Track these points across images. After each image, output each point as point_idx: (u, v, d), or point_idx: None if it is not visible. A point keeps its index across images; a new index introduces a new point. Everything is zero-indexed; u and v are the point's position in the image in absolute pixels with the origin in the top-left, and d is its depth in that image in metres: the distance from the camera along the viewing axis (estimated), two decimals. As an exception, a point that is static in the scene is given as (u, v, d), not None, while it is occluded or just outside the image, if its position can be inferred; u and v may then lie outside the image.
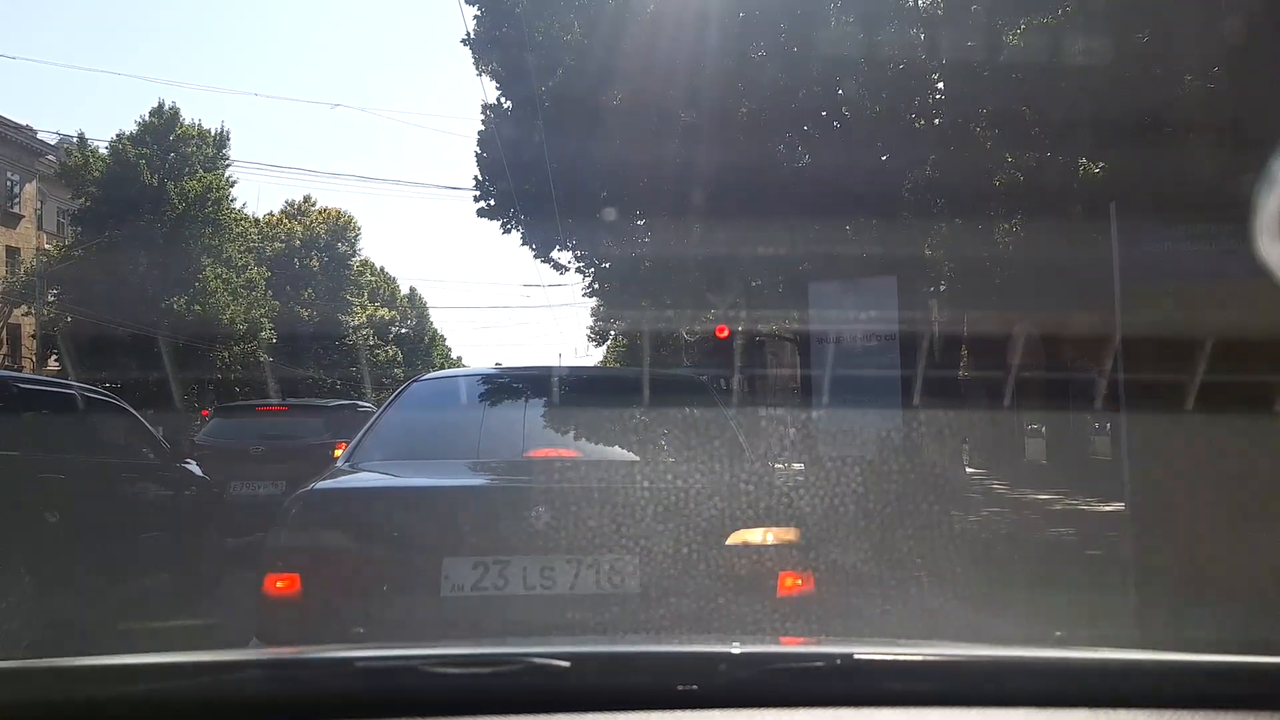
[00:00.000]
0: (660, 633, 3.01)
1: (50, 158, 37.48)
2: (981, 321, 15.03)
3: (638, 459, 4.04)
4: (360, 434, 4.18)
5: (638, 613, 3.00)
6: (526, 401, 4.55)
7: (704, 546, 3.07)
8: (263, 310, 36.70)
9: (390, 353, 52.03)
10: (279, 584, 3.05)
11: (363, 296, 50.64)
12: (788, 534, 3.20)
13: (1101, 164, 11.01)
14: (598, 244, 16.42)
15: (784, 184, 10.91)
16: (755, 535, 3.15)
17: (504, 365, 6.88)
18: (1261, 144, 4.73)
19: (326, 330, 42.20)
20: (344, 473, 3.74)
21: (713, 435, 4.13)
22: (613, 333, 34.41)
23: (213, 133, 35.91)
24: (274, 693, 1.63)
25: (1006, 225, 12.39)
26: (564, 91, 12.25)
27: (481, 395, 4.75)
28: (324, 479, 3.59)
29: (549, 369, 5.14)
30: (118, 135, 34.12)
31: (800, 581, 3.15)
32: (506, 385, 4.95)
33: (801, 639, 2.75)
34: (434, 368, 56.75)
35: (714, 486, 3.38)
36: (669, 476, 3.53)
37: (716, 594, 3.04)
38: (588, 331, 38.18)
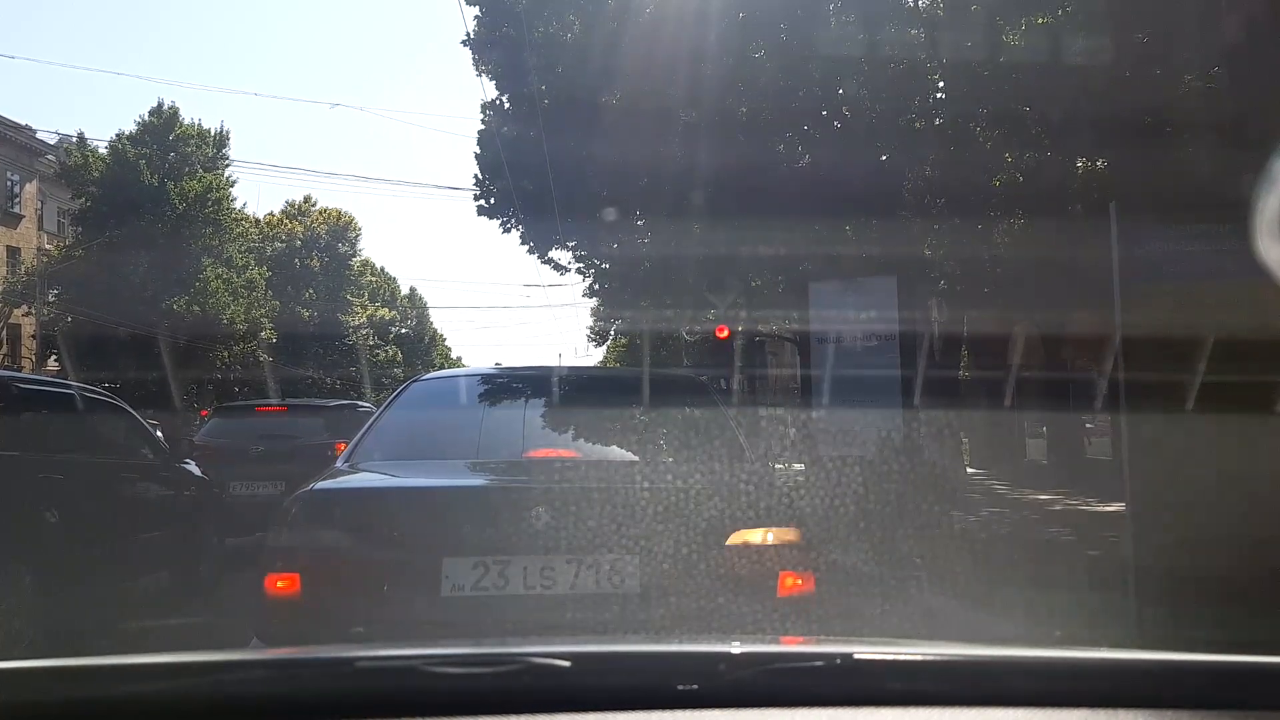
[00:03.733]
0: (660, 633, 3.00)
1: (50, 158, 37.48)
2: (981, 321, 15.02)
3: (637, 459, 4.03)
4: (360, 434, 4.19)
5: (638, 613, 3.00)
6: (526, 402, 4.55)
7: (704, 547, 3.07)
8: (263, 310, 36.69)
9: (390, 353, 52.03)
10: (279, 583, 3.05)
11: (363, 296, 50.63)
12: (788, 534, 3.20)
13: (1101, 164, 11.01)
14: (598, 244, 16.44)
15: (784, 184, 10.90)
16: (755, 535, 3.15)
17: (504, 365, 6.89)
18: (1261, 144, 4.73)
19: (326, 330, 42.15)
20: (344, 473, 3.74)
21: (712, 435, 4.13)
22: (613, 333, 34.41)
23: (212, 133, 35.94)
24: (274, 693, 1.63)
25: (1006, 225, 12.38)
26: (564, 91, 12.27)
27: (481, 395, 4.75)
28: (324, 479, 3.59)
29: (548, 369, 5.15)
30: (117, 135, 34.18)
31: (800, 581, 3.16)
32: (506, 385, 4.96)
33: (801, 639, 2.75)
34: (434, 367, 56.76)
35: (714, 487, 3.38)
36: (669, 477, 3.54)
37: (717, 594, 3.05)
38: (588, 331, 38.21)
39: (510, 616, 2.99)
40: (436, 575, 3.00)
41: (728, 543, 3.12)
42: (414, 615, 3.03)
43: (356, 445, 4.02)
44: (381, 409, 4.46)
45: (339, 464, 3.87)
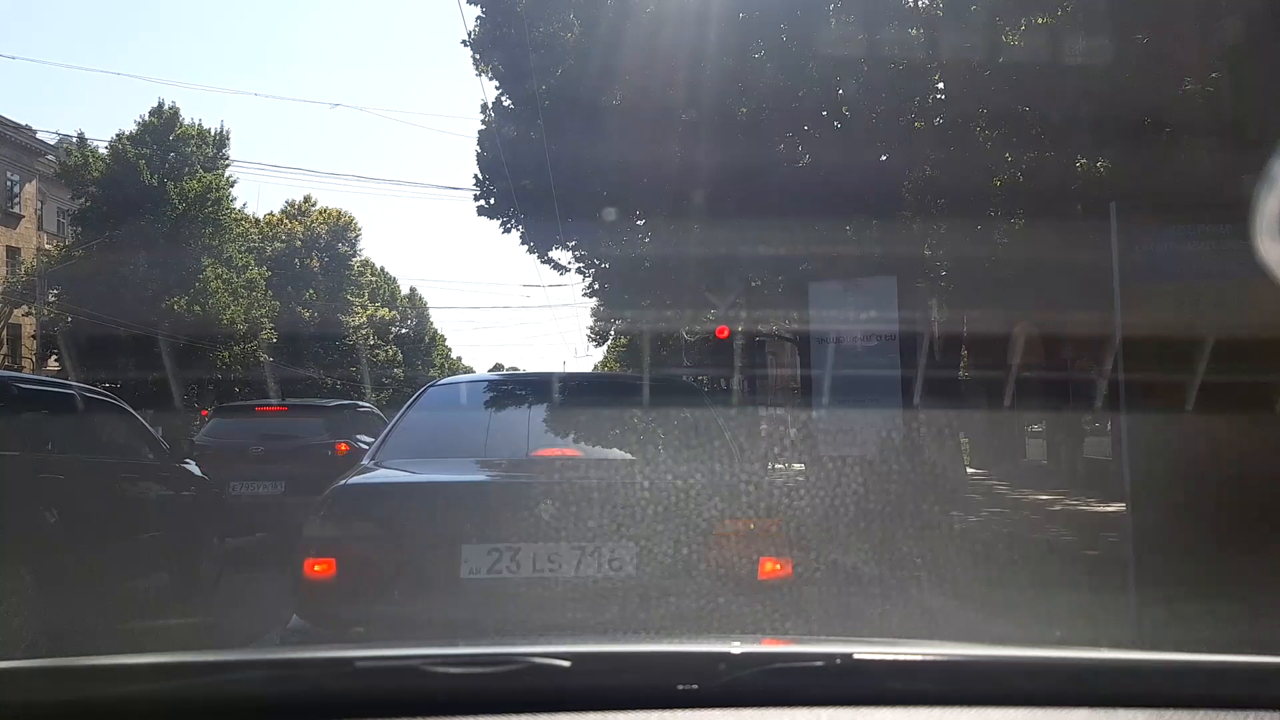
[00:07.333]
0: (659, 624, 3.24)
1: (50, 158, 37.43)
2: (981, 321, 15.02)
3: (634, 458, 4.35)
4: (383, 434, 4.56)
5: (635, 594, 3.30)
6: (531, 405, 4.95)
7: (693, 535, 3.36)
8: (263, 310, 36.64)
9: (390, 353, 51.97)
10: (317, 567, 3.38)
11: (363, 296, 50.57)
12: (768, 524, 3.52)
13: (1102, 164, 11.00)
14: (598, 244, 16.43)
15: (784, 184, 10.90)
16: (739, 525, 3.46)
17: (503, 366, 7.05)
18: (1261, 144, 4.74)
19: (326, 330, 42.09)
20: (371, 470, 4.06)
21: (702, 435, 4.46)
22: (613, 333, 34.40)
23: (213, 133, 35.86)
24: (274, 693, 1.63)
25: (1006, 225, 12.37)
26: (564, 91, 12.25)
27: (492, 399, 5.13)
28: (354, 475, 3.93)
29: (550, 375, 5.55)
30: (117, 135, 34.10)
31: (779, 566, 3.45)
32: (514, 390, 5.46)
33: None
34: (434, 368, 56.80)
35: (703, 482, 3.66)
36: (662, 473, 3.81)
37: (705, 577, 3.34)
38: (588, 332, 38.19)
39: (522, 596, 3.29)
40: (456, 560, 3.32)
41: (715, 532, 3.41)
42: (437, 595, 3.35)
43: (381, 444, 4.35)
44: (402, 411, 4.75)
45: (366, 461, 4.21)
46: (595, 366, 47.62)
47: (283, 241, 46.17)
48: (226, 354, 34.69)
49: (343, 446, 9.69)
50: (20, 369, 30.01)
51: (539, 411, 4.84)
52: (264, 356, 34.82)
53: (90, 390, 7.15)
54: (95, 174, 33.18)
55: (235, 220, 36.81)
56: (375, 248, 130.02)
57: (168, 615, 6.56)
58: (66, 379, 9.84)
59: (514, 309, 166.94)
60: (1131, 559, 4.80)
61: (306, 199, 50.44)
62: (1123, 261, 4.84)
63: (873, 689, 1.64)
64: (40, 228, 38.73)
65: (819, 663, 1.68)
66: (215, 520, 7.89)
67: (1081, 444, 17.60)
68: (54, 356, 31.75)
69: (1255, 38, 6.38)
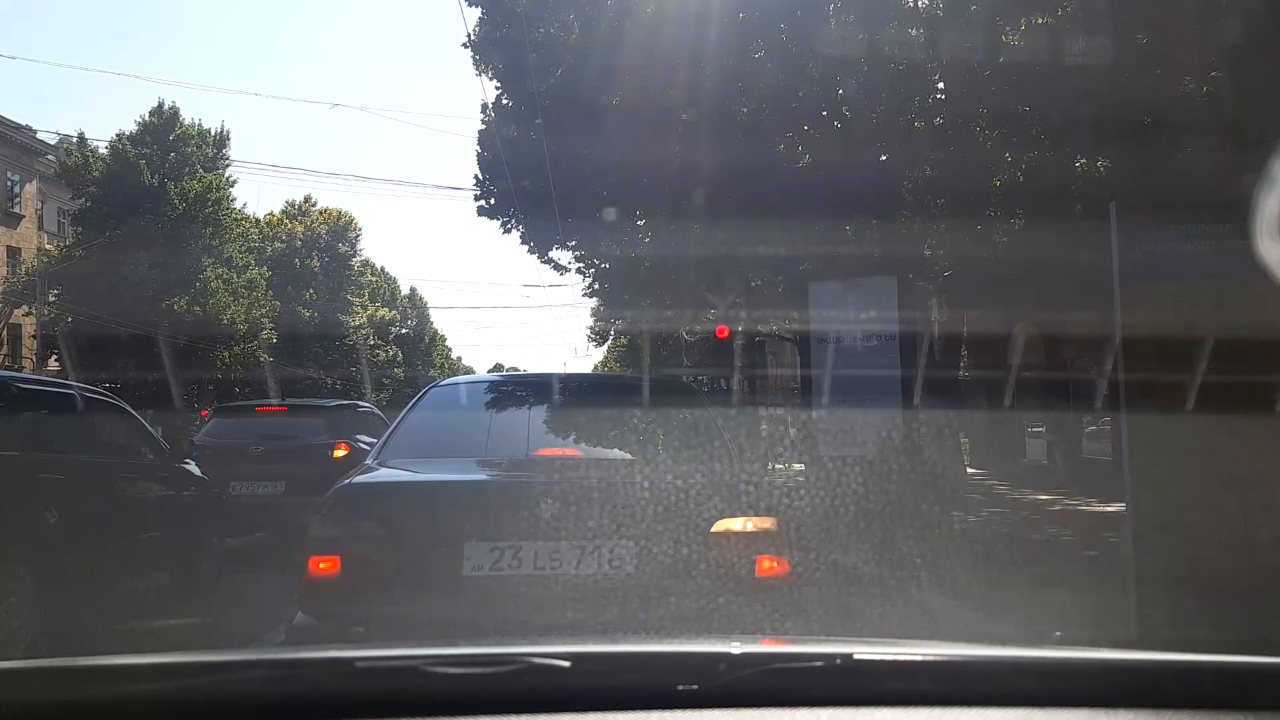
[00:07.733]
0: (659, 624, 3.25)
1: (50, 158, 37.39)
2: (981, 321, 15.02)
3: (634, 458, 4.38)
4: (386, 435, 4.61)
5: (635, 593, 3.33)
6: (532, 406, 5.00)
7: (692, 533, 3.40)
8: (263, 310, 36.62)
9: (390, 353, 51.96)
10: (321, 565, 3.43)
11: (363, 296, 50.55)
12: (765, 523, 3.54)
13: (1102, 164, 11.00)
14: (598, 244, 16.42)
15: (784, 184, 10.90)
16: (736, 524, 3.50)
17: (503, 366, 7.09)
18: (1261, 144, 4.74)
19: (327, 330, 42.08)
20: (375, 469, 4.10)
21: (702, 435, 4.51)
22: (613, 333, 34.40)
23: (213, 133, 35.83)
24: (274, 693, 1.63)
25: (1006, 225, 12.36)
26: (564, 91, 12.25)
27: (493, 400, 5.18)
28: (358, 475, 3.98)
29: (549, 375, 5.59)
30: (117, 135, 34.08)
31: (776, 565, 3.48)
32: (515, 390, 5.52)
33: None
34: (434, 368, 56.79)
35: (701, 481, 3.69)
36: (661, 473, 3.85)
37: (703, 575, 3.38)
38: (588, 332, 38.20)
39: (523, 595, 3.32)
40: (459, 558, 3.37)
41: (712, 530, 3.45)
42: (440, 591, 3.39)
43: (384, 444, 4.39)
44: (404, 411, 4.79)
45: (369, 461, 4.24)
46: (595, 366, 47.67)
47: (283, 241, 46.14)
48: (226, 354, 34.68)
49: (343, 447, 9.68)
50: (20, 369, 30.00)
51: (539, 412, 4.89)
52: (264, 356, 34.81)
53: (90, 390, 7.14)
54: (95, 174, 33.16)
55: (235, 220, 36.78)
56: (375, 248, 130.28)
57: (168, 615, 6.55)
58: (66, 379, 9.84)
59: (514, 309, 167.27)
60: (1131, 559, 4.79)
61: (306, 199, 50.46)
62: (1123, 261, 4.83)
63: (873, 689, 1.64)
64: (40, 228, 38.70)
65: (819, 663, 1.68)
66: (215, 520, 7.88)
67: (1081, 444, 17.59)
68: (54, 356, 31.75)
69: (1255, 38, 6.37)
